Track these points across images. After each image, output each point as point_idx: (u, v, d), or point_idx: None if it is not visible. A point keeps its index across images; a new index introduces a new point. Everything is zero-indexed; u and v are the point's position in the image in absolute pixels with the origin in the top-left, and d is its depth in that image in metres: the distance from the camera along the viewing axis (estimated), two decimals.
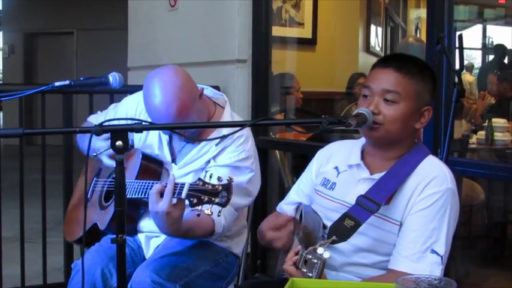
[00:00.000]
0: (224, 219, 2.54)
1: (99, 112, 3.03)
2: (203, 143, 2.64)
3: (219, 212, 2.12)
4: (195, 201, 2.10)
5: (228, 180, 2.09)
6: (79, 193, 3.00)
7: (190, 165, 2.66)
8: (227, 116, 2.72)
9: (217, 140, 2.60)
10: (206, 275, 2.60)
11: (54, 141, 4.29)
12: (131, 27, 5.40)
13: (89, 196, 2.88)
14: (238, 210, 2.66)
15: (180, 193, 2.17)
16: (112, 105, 3.00)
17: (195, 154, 2.65)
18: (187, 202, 2.16)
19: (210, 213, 2.09)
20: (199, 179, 2.13)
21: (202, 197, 2.09)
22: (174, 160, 2.72)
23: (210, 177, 2.13)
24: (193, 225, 2.44)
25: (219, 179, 2.09)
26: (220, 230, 2.55)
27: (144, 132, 2.74)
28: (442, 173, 2.12)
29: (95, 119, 2.93)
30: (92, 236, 2.73)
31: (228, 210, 2.53)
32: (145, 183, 2.49)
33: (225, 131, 2.55)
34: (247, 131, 2.69)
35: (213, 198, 2.07)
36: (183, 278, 2.49)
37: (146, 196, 2.44)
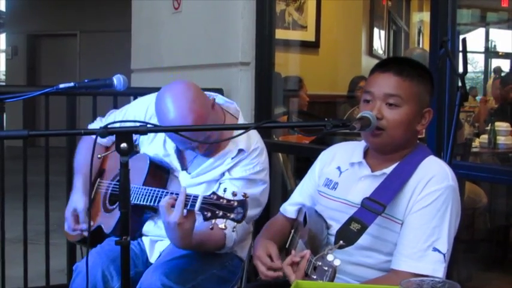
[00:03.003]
0: (236, 234, 2.53)
1: (98, 119, 3.02)
2: (217, 155, 2.64)
3: (234, 227, 2.11)
4: (208, 214, 2.09)
5: (243, 196, 2.07)
6: None
7: (203, 176, 2.65)
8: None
9: (234, 154, 2.61)
10: (213, 278, 2.61)
11: (57, 143, 4.30)
12: (135, 29, 5.41)
13: (91, 197, 2.89)
14: (248, 222, 2.68)
15: (193, 205, 2.16)
16: (118, 110, 2.99)
17: (209, 165, 2.65)
18: (200, 215, 2.14)
19: (224, 227, 2.08)
20: (214, 193, 2.11)
21: (217, 212, 2.07)
22: (186, 169, 2.72)
23: (224, 191, 2.11)
24: (204, 239, 2.44)
25: (233, 194, 2.08)
26: (230, 245, 2.55)
27: (148, 142, 2.75)
28: (442, 171, 2.12)
29: (96, 127, 2.93)
30: (95, 237, 2.73)
31: (240, 225, 2.53)
32: (153, 190, 2.49)
33: (240, 144, 2.59)
34: (261, 143, 2.71)
35: (228, 214, 2.06)
36: (191, 281, 2.50)
37: (153, 203, 2.45)
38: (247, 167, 2.63)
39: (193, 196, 2.17)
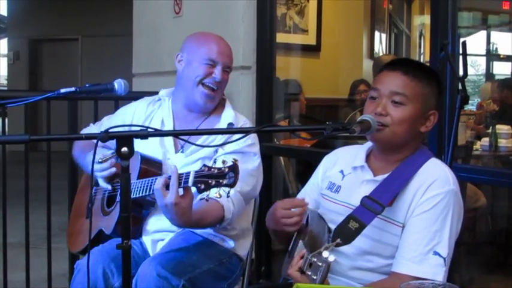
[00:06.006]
0: (233, 206, 2.59)
1: (91, 125, 3.09)
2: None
3: (228, 193, 2.12)
4: (202, 186, 2.12)
5: (233, 161, 2.11)
6: (78, 205, 3.03)
7: (198, 153, 2.71)
8: (230, 109, 2.86)
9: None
10: (209, 273, 2.63)
11: (59, 147, 4.30)
12: (136, 33, 5.41)
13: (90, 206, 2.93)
14: (245, 201, 2.72)
15: (186, 182, 2.20)
16: (106, 117, 3.05)
17: (202, 142, 2.72)
18: (194, 189, 2.17)
19: (218, 196, 2.11)
20: (204, 165, 2.14)
21: (210, 181, 2.10)
22: (181, 149, 2.77)
23: (214, 162, 2.15)
24: (203, 214, 2.49)
25: (223, 162, 2.11)
26: (230, 216, 2.59)
27: None
28: (443, 175, 2.13)
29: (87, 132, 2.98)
30: (97, 243, 2.75)
31: (236, 198, 2.61)
32: (147, 180, 2.52)
33: (229, 119, 2.76)
34: (248, 121, 2.87)
35: (220, 181, 2.09)
36: (188, 274, 2.51)
37: (150, 192, 2.48)
38: (239, 142, 2.68)
39: (185, 174, 2.21)
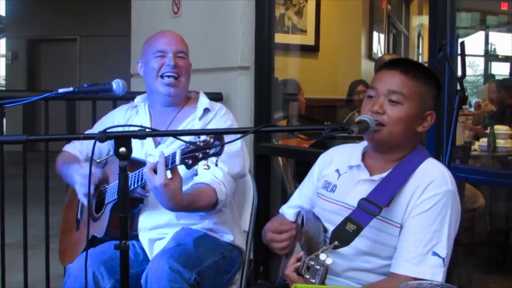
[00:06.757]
0: (224, 187, 2.61)
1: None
2: (186, 121, 2.81)
3: (217, 161, 2.11)
4: (190, 162, 2.13)
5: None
6: (66, 221, 3.03)
7: (176, 142, 2.70)
8: (204, 98, 2.92)
9: (200, 113, 2.81)
10: (214, 266, 2.64)
11: (57, 148, 4.30)
12: (134, 34, 5.41)
13: (79, 218, 2.96)
14: (236, 181, 2.75)
15: (173, 161, 2.21)
16: (87, 131, 3.08)
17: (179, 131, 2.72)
18: (183, 167, 2.17)
19: (206, 167, 2.10)
20: (189, 141, 2.13)
21: (197, 154, 2.11)
22: (159, 144, 2.82)
23: (199, 137, 2.15)
24: (195, 197, 2.51)
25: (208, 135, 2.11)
26: (223, 197, 2.60)
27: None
28: (441, 175, 2.13)
29: (71, 148, 3.05)
30: (91, 246, 2.75)
31: (226, 180, 2.64)
32: (134, 174, 2.53)
33: (203, 105, 2.83)
34: (225, 108, 2.91)
35: (207, 151, 2.08)
36: (197, 267, 2.52)
37: (137, 185, 2.50)
38: (219, 124, 2.78)
39: (172, 154, 2.23)
